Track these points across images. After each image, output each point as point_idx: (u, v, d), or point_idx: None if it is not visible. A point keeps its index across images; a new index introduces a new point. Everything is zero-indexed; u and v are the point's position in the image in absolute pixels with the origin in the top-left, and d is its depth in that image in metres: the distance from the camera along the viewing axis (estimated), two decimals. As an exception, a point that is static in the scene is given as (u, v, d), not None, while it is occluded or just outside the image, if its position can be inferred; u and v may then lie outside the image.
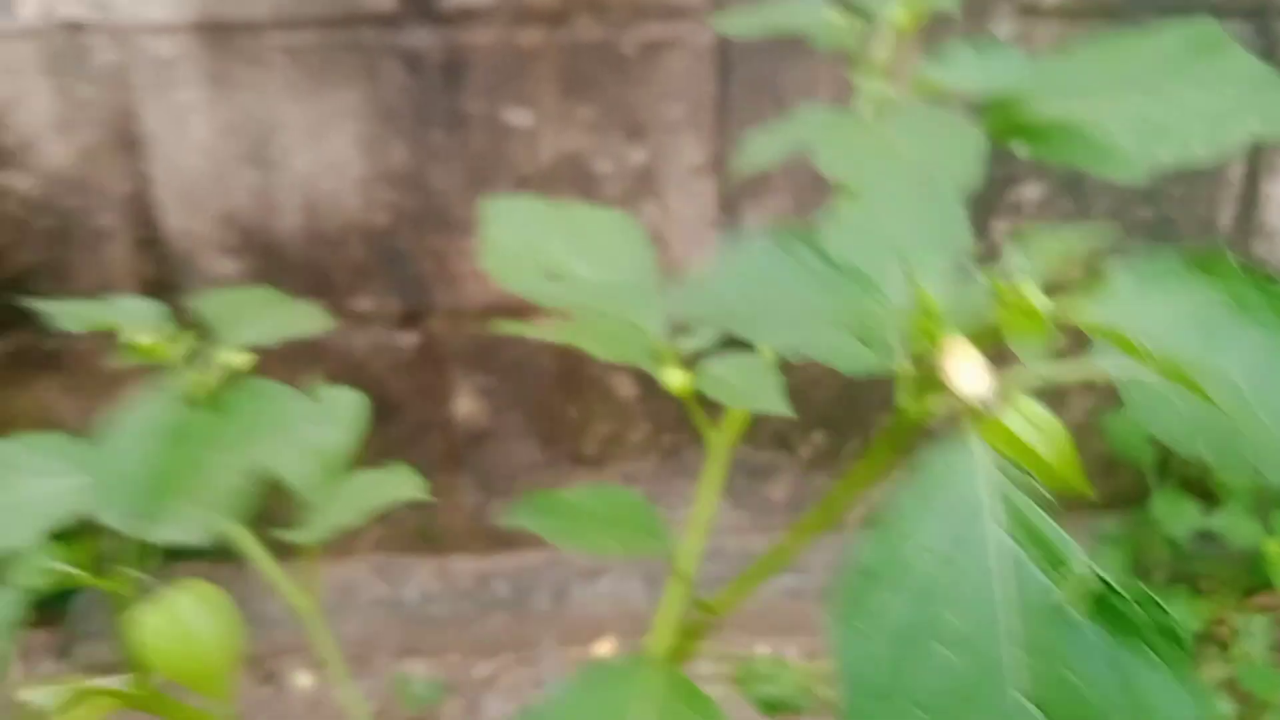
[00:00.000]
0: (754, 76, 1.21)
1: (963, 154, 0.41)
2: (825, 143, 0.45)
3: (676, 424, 1.36)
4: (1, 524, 0.40)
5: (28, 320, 1.27)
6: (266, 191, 1.22)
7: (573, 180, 1.23)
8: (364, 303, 1.28)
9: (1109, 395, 1.35)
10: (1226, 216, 1.32)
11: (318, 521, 0.53)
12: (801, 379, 1.34)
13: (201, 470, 0.37)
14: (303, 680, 1.33)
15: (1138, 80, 0.45)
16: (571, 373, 1.33)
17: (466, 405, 1.35)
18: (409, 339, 1.30)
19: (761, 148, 0.48)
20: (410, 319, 1.30)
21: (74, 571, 0.42)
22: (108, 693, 0.43)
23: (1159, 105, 0.43)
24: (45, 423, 1.27)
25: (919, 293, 0.29)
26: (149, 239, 1.23)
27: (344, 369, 1.31)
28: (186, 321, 0.46)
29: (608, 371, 1.33)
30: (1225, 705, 1.18)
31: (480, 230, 0.50)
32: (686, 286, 0.32)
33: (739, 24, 0.52)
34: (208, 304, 0.49)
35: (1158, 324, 0.26)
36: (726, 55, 1.20)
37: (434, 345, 1.31)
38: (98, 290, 1.25)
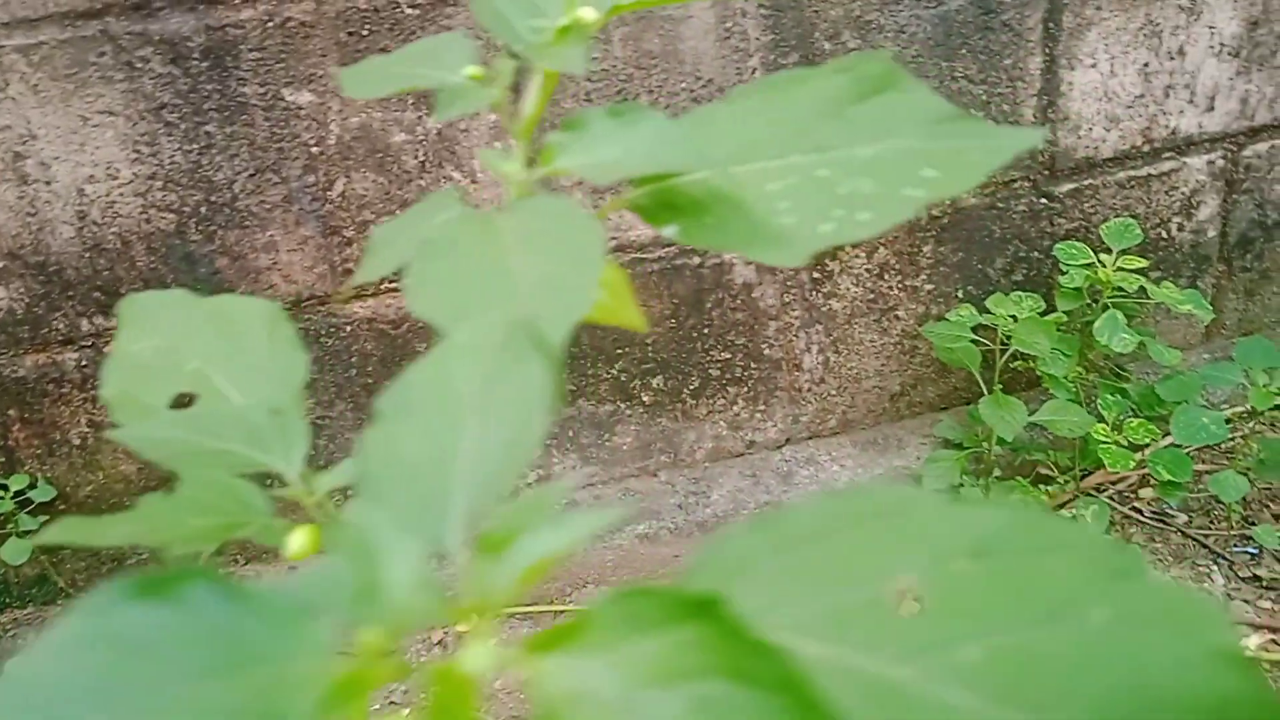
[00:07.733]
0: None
1: (581, 269, 0.32)
2: (419, 269, 0.33)
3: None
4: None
5: None
6: (30, 208, 1.11)
7: (369, 154, 1.16)
8: (161, 312, 1.19)
9: (935, 302, 1.38)
10: (1029, 109, 1.34)
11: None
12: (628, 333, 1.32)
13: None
14: None
15: (804, 134, 0.36)
16: (412, 354, 1.27)
17: (291, 401, 1.28)
18: (217, 343, 1.22)
19: (390, 254, 0.37)
20: (215, 322, 1.21)
21: None
22: None
23: (825, 166, 0.35)
24: None
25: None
26: (-97, 276, 1.11)
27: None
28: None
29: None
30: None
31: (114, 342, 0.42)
32: None
33: (363, 83, 0.41)
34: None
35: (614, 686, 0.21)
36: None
37: (245, 346, 1.23)
38: None
